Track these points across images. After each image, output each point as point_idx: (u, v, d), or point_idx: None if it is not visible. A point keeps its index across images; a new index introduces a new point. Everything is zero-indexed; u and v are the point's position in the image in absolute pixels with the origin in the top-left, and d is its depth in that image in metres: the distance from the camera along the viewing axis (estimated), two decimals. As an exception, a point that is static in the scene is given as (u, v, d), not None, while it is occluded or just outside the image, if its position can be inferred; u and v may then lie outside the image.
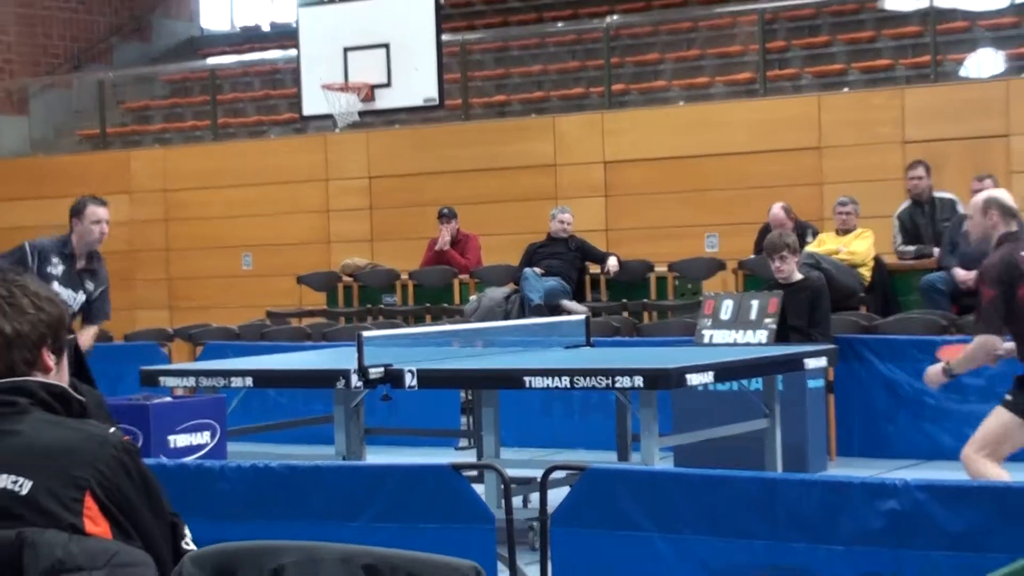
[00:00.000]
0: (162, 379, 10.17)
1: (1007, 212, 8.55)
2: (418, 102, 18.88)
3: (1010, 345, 8.63)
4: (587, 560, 5.65)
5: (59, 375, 3.81)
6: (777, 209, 15.55)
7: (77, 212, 10.51)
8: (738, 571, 5.39)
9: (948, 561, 4.94)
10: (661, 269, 17.31)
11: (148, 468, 3.74)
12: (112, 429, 3.71)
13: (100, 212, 10.52)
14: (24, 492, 3.55)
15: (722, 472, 5.70)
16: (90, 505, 3.56)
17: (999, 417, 8.30)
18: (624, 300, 17.00)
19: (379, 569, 3.24)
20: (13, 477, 3.57)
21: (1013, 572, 3.08)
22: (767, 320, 11.91)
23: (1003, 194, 8.72)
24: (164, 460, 6.87)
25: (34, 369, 3.74)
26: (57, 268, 10.22)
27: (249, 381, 9.99)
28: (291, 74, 20.90)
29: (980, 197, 8.70)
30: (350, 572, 3.26)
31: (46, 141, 24.52)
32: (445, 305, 17.77)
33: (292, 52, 20.42)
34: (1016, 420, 8.23)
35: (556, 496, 5.94)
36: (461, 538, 5.53)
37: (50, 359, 3.77)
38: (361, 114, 19.12)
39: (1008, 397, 8.34)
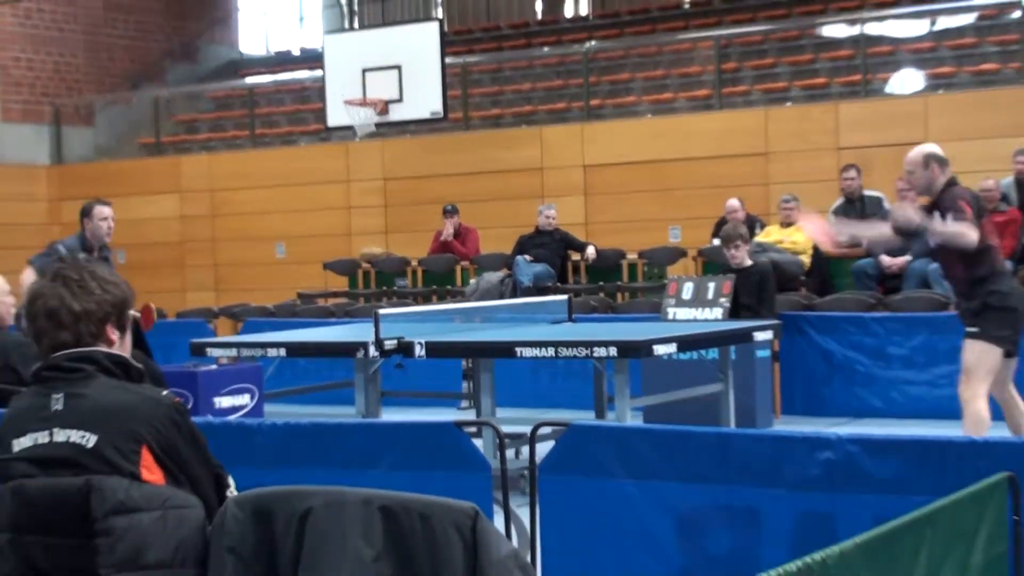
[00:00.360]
0: (209, 350, 10.17)
1: (943, 163, 8.49)
2: (425, 115, 18.86)
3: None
4: (569, 503, 5.64)
5: (122, 347, 3.82)
6: (734, 200, 15.56)
7: (87, 213, 10.84)
8: (696, 511, 5.39)
9: (875, 503, 4.93)
10: (632, 256, 17.32)
11: (196, 426, 3.75)
12: (165, 392, 3.73)
13: (105, 211, 10.86)
14: (90, 445, 3.56)
15: (684, 428, 5.69)
16: (146, 456, 3.57)
17: (975, 348, 8.24)
18: (600, 283, 17.00)
19: (393, 510, 3.24)
20: (81, 432, 3.57)
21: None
22: (722, 299, 11.90)
23: (937, 148, 8.62)
24: (211, 418, 6.86)
25: (99, 341, 3.75)
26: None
27: (283, 352, 9.99)
28: (317, 91, 20.86)
29: (919, 152, 8.55)
30: (369, 512, 3.26)
31: (110, 148, 24.48)
32: (449, 287, 17.78)
33: (318, 73, 20.39)
34: (989, 348, 8.20)
35: (543, 448, 5.94)
36: (462, 484, 5.52)
37: (113, 334, 3.79)
38: (377, 125, 19.10)
39: (972, 328, 8.27)
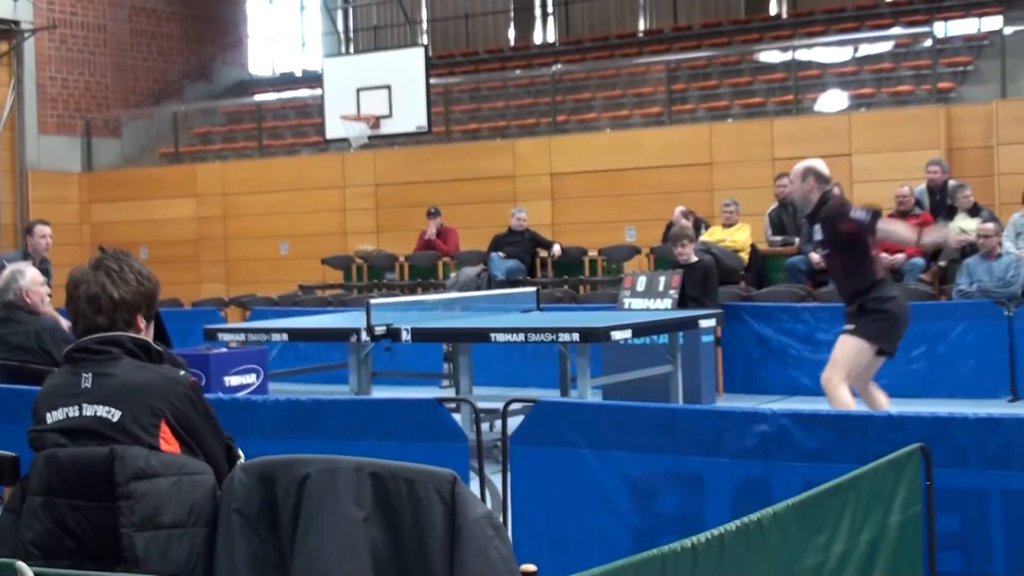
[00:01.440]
0: (220, 335, 10.13)
1: (821, 178, 8.12)
2: (412, 129, 18.86)
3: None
4: (537, 470, 5.63)
5: (147, 334, 3.78)
6: (678, 212, 15.55)
7: (29, 231, 11.18)
8: (648, 478, 5.38)
9: (804, 470, 4.93)
10: (593, 254, 17.35)
11: (209, 402, 3.72)
12: (182, 372, 3.69)
13: (45, 229, 11.18)
14: (115, 419, 3.54)
15: (637, 404, 5.69)
16: (164, 429, 3.55)
17: (847, 343, 7.93)
18: (565, 276, 17.02)
19: (381, 475, 3.22)
20: (107, 408, 3.55)
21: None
22: (671, 291, 11.91)
23: (819, 163, 8.27)
24: (221, 395, 6.83)
25: (130, 328, 3.72)
26: None
27: (285, 336, 9.95)
28: (317, 108, 20.81)
29: (801, 165, 8.21)
30: (360, 478, 3.24)
31: (134, 157, 24.38)
32: (432, 280, 17.76)
33: (318, 91, 20.36)
34: (862, 344, 7.89)
35: (514, 422, 5.93)
36: (443, 454, 5.50)
37: (142, 323, 3.75)
38: (370, 137, 19.11)
39: (849, 326, 7.95)
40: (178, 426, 3.57)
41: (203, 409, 3.66)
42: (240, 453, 3.80)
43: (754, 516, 3.24)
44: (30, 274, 7.61)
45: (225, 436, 3.75)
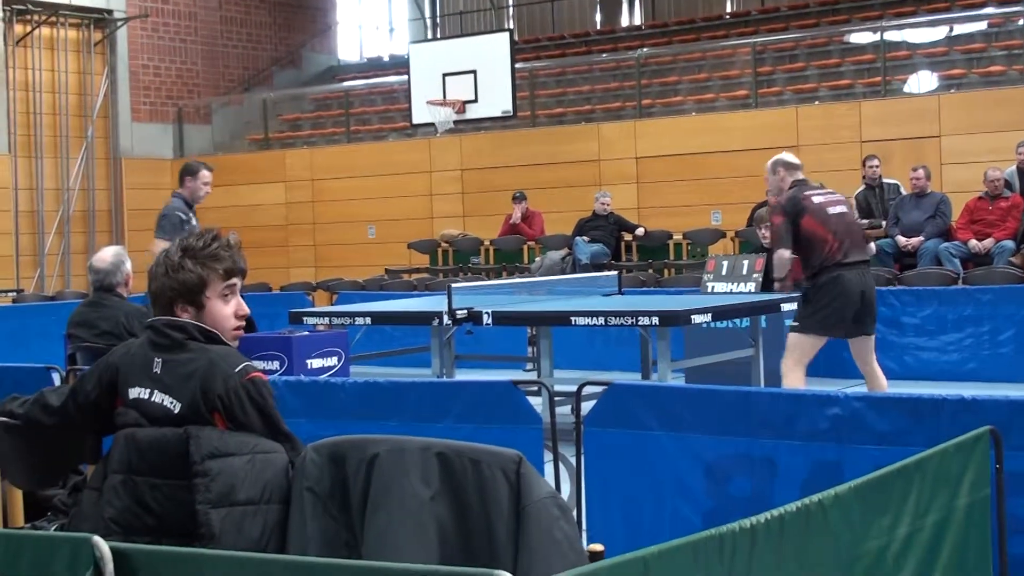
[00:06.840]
0: (306, 319, 10.27)
1: (789, 167, 8.69)
2: (497, 113, 18.94)
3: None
4: (610, 452, 5.66)
5: (199, 317, 3.82)
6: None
7: (193, 172, 10.19)
8: (722, 460, 5.39)
9: (876, 453, 4.92)
10: (677, 237, 17.34)
11: (269, 400, 3.69)
12: (242, 365, 3.69)
13: (209, 175, 10.25)
14: (176, 411, 3.63)
15: (710, 387, 5.68)
16: (219, 420, 3.62)
17: (791, 338, 8.60)
18: (650, 260, 17.03)
19: (447, 455, 3.29)
20: (170, 398, 3.65)
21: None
22: (754, 275, 11.87)
23: (786, 155, 8.86)
24: (302, 377, 6.94)
25: (185, 313, 3.79)
26: (193, 220, 10.29)
27: (368, 320, 10.06)
28: (404, 93, 20.95)
29: (771, 160, 8.79)
30: (427, 458, 3.31)
31: (224, 143, 24.69)
32: (517, 264, 17.85)
33: (405, 77, 20.49)
34: (802, 336, 8.53)
35: (588, 405, 5.96)
36: (517, 436, 5.55)
37: (184, 312, 3.79)
38: (455, 122, 19.20)
39: (794, 323, 8.63)
40: (228, 420, 3.63)
41: (255, 408, 3.66)
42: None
43: (815, 497, 3.27)
44: (129, 261, 7.87)
45: (284, 434, 3.71)
